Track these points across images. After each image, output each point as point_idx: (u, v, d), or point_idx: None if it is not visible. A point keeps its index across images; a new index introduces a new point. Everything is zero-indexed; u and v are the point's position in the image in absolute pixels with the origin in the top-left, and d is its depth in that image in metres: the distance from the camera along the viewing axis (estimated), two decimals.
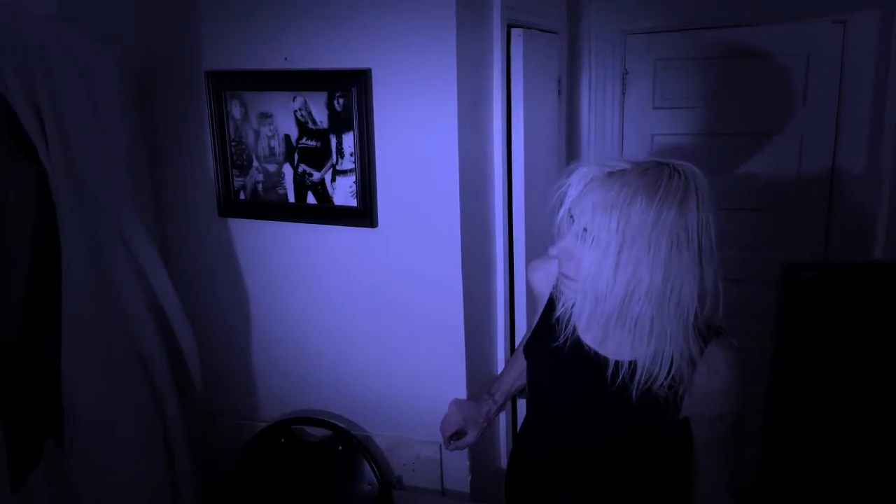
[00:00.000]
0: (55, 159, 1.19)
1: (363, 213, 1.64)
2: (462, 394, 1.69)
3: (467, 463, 1.70)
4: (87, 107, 1.22)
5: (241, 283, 1.78)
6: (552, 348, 1.24)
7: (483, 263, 1.77)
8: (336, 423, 1.74)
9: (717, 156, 2.52)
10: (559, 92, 2.43)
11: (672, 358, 1.10)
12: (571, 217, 1.11)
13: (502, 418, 1.91)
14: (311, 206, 1.68)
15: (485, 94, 1.74)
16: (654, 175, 1.06)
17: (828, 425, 0.94)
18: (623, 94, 2.64)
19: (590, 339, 1.21)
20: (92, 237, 1.23)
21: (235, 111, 1.69)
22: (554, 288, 1.28)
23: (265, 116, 1.67)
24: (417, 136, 1.57)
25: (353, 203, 1.64)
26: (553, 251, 1.14)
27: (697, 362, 1.12)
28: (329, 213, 1.67)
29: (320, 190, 1.67)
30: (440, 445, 1.69)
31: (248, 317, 1.80)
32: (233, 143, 1.71)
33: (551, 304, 1.29)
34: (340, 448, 1.72)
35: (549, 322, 1.27)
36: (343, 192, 1.65)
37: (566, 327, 1.22)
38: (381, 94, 1.57)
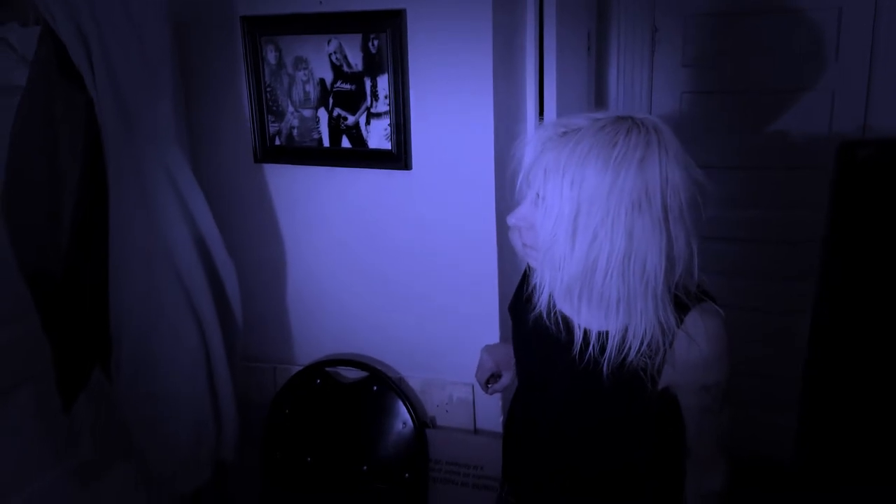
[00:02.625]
0: (101, 89, 1.22)
1: (397, 156, 1.65)
2: (495, 337, 1.71)
3: (499, 403, 1.72)
4: (131, 37, 1.24)
5: (276, 229, 1.81)
6: (529, 317, 1.17)
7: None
8: (371, 364, 1.77)
9: (746, 113, 2.49)
10: (588, 48, 2.42)
11: (644, 330, 1.03)
12: (529, 183, 1.04)
13: None
14: (345, 149, 1.70)
15: (518, 41, 1.74)
16: (612, 132, 0.97)
17: (884, 317, 0.90)
18: (652, 51, 2.61)
19: (567, 308, 1.14)
20: (137, 166, 1.26)
21: (270, 57, 1.70)
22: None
23: (300, 61, 1.68)
24: (452, 78, 1.58)
25: (388, 146, 1.66)
26: (510, 220, 1.08)
27: (676, 332, 1.05)
28: (363, 157, 1.69)
29: (355, 133, 1.68)
30: (473, 386, 1.71)
31: (283, 262, 1.83)
32: (268, 89, 1.73)
33: (525, 276, 1.24)
34: (375, 389, 1.75)
35: (527, 288, 1.21)
36: (377, 135, 1.66)
37: (542, 295, 1.13)
38: (415, 36, 1.58)
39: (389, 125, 1.64)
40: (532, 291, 1.15)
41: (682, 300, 1.05)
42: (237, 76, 1.74)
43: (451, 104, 1.60)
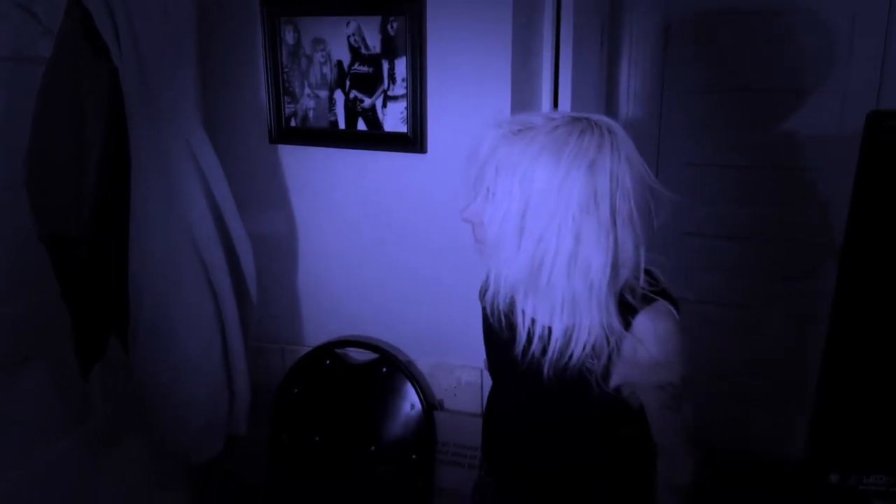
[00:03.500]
0: (126, 60, 1.23)
1: (413, 139, 1.66)
2: None
3: None
4: (156, 9, 1.25)
5: (289, 210, 1.82)
6: (490, 308, 1.16)
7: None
8: (380, 346, 1.79)
9: (757, 111, 2.51)
10: (601, 43, 2.43)
11: (588, 332, 1.02)
12: (482, 179, 1.04)
13: None
14: (361, 132, 1.71)
15: (536, 31, 1.75)
16: (565, 132, 0.97)
17: None
18: (664, 47, 2.62)
19: (518, 299, 1.12)
20: (158, 137, 1.28)
21: (289, 37, 1.72)
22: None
23: (318, 42, 1.70)
24: (469, 63, 1.59)
25: (403, 129, 1.67)
26: (463, 215, 1.08)
27: (623, 335, 1.04)
28: (379, 139, 1.70)
29: (371, 116, 1.69)
30: (481, 370, 1.73)
31: (295, 243, 1.84)
32: (285, 71, 1.74)
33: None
34: (384, 371, 1.76)
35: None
36: (393, 118, 1.68)
37: (488, 292, 1.12)
38: (434, 19, 1.59)
39: (406, 108, 1.65)
40: (486, 287, 1.14)
41: (629, 302, 1.04)
42: (255, 56, 1.75)
43: (468, 89, 1.61)
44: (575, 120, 0.99)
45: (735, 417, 2.65)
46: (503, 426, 1.30)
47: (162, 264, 1.28)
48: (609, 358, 1.04)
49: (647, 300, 1.05)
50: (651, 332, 1.04)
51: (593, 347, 1.03)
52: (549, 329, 1.06)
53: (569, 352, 1.03)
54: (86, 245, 1.25)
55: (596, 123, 0.99)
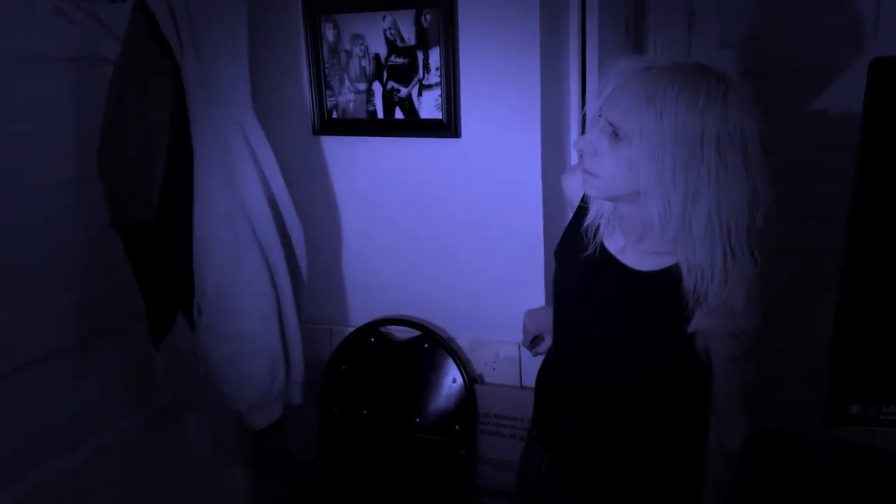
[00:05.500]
0: (187, 57, 1.35)
1: (447, 125, 1.75)
2: (540, 299, 1.80)
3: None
4: (213, 11, 1.37)
5: (332, 197, 1.93)
6: (580, 258, 1.23)
7: (560, 173, 1.86)
8: (422, 324, 1.88)
9: (783, 92, 2.53)
10: (627, 31, 2.49)
11: (713, 269, 1.06)
12: (602, 111, 1.07)
13: None
14: (398, 120, 1.81)
15: (563, 20, 1.83)
16: (697, 75, 1.01)
17: None
18: (689, 34, 2.66)
19: (612, 246, 1.21)
20: (217, 128, 1.39)
21: (329, 34, 1.82)
22: (583, 198, 1.27)
23: (356, 37, 1.80)
24: (500, 50, 1.67)
25: (438, 115, 1.76)
26: (578, 144, 1.11)
27: (735, 278, 1.08)
28: (415, 126, 1.79)
29: (407, 105, 1.79)
30: (519, 345, 1.80)
31: (338, 228, 1.95)
32: (326, 66, 1.84)
33: (581, 211, 1.29)
34: (426, 347, 1.85)
35: (577, 230, 1.26)
36: (429, 105, 1.77)
37: (594, 236, 1.21)
38: (465, 10, 1.67)
39: (440, 96, 1.75)
40: (585, 231, 1.21)
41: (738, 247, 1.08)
42: (298, 54, 1.86)
43: (498, 75, 1.69)
44: (702, 66, 1.03)
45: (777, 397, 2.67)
46: (562, 374, 1.34)
47: (223, 244, 1.39)
48: (699, 297, 1.08)
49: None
50: (745, 277, 1.08)
51: (695, 285, 1.07)
52: (661, 272, 1.11)
53: (692, 288, 1.07)
54: (155, 228, 1.37)
55: (719, 72, 1.03)
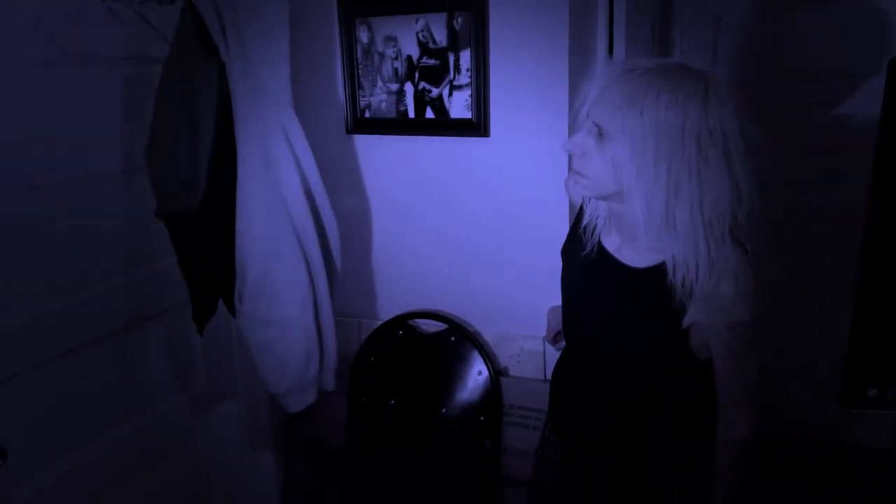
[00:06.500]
0: (232, 56, 1.42)
1: (477, 124, 1.81)
2: None
3: None
4: (257, 13, 1.44)
5: (363, 194, 1.99)
6: (581, 256, 1.28)
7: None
8: (449, 317, 1.93)
9: (812, 97, 2.55)
10: (652, 35, 2.53)
11: (694, 263, 1.09)
12: (589, 113, 1.12)
13: None
14: (429, 120, 1.87)
15: (591, 15, 1.87)
16: (679, 75, 1.05)
17: None
18: (715, 38, 2.69)
19: (609, 244, 1.25)
20: (259, 124, 1.46)
21: (363, 36, 1.89)
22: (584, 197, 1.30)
23: (390, 39, 1.86)
24: (529, 52, 1.73)
25: (468, 115, 1.82)
26: (566, 146, 1.15)
27: (723, 269, 1.10)
28: (446, 126, 1.85)
29: (438, 104, 1.85)
30: (542, 339, 1.85)
31: (369, 224, 2.01)
32: (360, 67, 1.91)
33: (581, 211, 1.33)
34: (453, 340, 1.90)
35: (578, 229, 1.31)
36: (459, 105, 1.83)
37: (592, 235, 1.25)
38: (496, 12, 1.73)
39: (470, 96, 1.80)
40: (584, 230, 1.25)
41: (726, 239, 1.11)
42: (333, 55, 1.93)
43: (528, 76, 1.74)
44: (683, 66, 1.08)
45: (794, 402, 2.69)
46: (570, 370, 1.39)
47: (264, 235, 1.46)
48: (690, 289, 1.11)
49: (734, 239, 1.12)
50: (734, 268, 1.11)
51: (684, 278, 1.10)
52: (653, 268, 1.14)
53: (682, 282, 1.10)
54: (199, 219, 1.44)
55: (699, 71, 1.07)
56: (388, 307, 2.04)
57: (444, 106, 1.84)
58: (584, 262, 1.29)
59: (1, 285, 1.30)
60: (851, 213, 2.40)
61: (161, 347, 1.68)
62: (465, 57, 1.78)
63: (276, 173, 1.47)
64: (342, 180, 1.99)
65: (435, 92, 1.85)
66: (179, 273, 1.52)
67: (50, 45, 1.33)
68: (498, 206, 1.86)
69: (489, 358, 1.89)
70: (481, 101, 1.79)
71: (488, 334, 1.94)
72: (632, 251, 1.21)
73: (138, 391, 1.64)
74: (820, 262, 2.61)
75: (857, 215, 1.18)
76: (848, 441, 2.59)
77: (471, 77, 1.79)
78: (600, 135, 1.10)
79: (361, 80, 1.92)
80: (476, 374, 1.88)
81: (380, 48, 1.88)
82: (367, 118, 1.94)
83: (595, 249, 1.26)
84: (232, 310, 1.55)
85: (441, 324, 1.93)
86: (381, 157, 1.96)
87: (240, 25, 1.41)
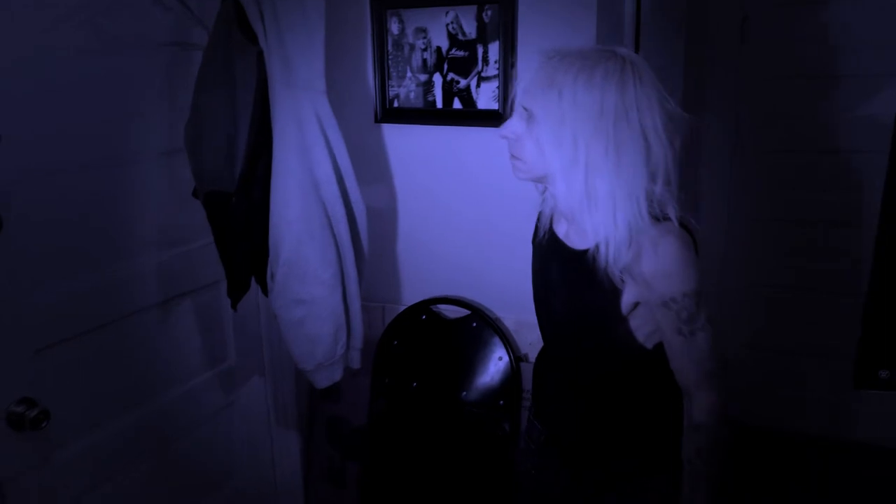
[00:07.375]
0: (270, 43, 1.48)
1: (504, 115, 1.85)
2: None
3: None
4: (295, 2, 1.49)
5: (391, 181, 2.04)
6: (536, 243, 1.33)
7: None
8: (471, 304, 1.98)
9: (840, 96, 2.56)
10: (679, 30, 2.55)
11: (621, 239, 1.11)
12: (520, 99, 1.17)
13: None
14: (457, 110, 1.92)
15: (617, 10, 1.91)
16: (595, 58, 1.10)
17: None
18: (742, 40, 2.70)
19: (559, 229, 1.27)
20: (294, 109, 1.51)
21: (394, 28, 1.94)
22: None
23: (420, 31, 1.91)
24: (557, 43, 1.75)
25: (495, 106, 1.86)
26: (501, 131, 1.20)
27: (643, 245, 1.11)
28: (473, 116, 1.90)
29: (465, 95, 1.90)
30: None
31: (395, 211, 2.06)
32: (390, 57, 1.96)
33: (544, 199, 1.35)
34: (474, 325, 1.95)
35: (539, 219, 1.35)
36: (486, 96, 1.87)
37: (546, 222, 1.29)
38: (525, 5, 1.77)
39: (497, 87, 1.85)
40: (538, 218, 1.29)
41: (653, 216, 1.13)
42: (364, 46, 1.98)
43: None
44: (603, 49, 1.13)
45: (790, 398, 2.70)
46: (543, 356, 1.43)
47: (297, 216, 1.51)
48: (624, 264, 1.12)
49: (666, 220, 1.13)
50: (655, 243, 1.11)
51: (616, 253, 1.12)
52: (590, 249, 1.15)
53: (610, 261, 1.12)
54: (236, 200, 1.50)
55: (619, 53, 1.12)
56: (412, 293, 2.09)
57: (471, 97, 1.89)
58: (540, 248, 1.32)
59: (51, 259, 1.37)
60: (858, 213, 2.45)
61: (194, 323, 1.75)
62: (494, 49, 1.83)
63: (309, 157, 1.52)
64: (370, 168, 2.05)
65: (463, 83, 1.89)
66: (213, 252, 1.59)
67: (94, 32, 1.40)
68: (522, 195, 1.88)
69: (509, 344, 1.93)
70: (508, 93, 1.83)
71: (509, 321, 1.98)
72: (576, 234, 1.23)
73: (173, 365, 1.71)
74: (820, 262, 2.63)
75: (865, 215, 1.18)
76: (848, 441, 2.60)
77: (498, 69, 1.83)
78: (530, 118, 1.14)
79: (391, 70, 1.97)
80: (496, 360, 1.93)
81: (410, 39, 1.93)
82: (395, 108, 1.99)
83: (547, 235, 1.29)
84: (264, 288, 1.61)
85: (463, 309, 1.98)
86: (408, 145, 2.01)
87: (279, 14, 1.46)
